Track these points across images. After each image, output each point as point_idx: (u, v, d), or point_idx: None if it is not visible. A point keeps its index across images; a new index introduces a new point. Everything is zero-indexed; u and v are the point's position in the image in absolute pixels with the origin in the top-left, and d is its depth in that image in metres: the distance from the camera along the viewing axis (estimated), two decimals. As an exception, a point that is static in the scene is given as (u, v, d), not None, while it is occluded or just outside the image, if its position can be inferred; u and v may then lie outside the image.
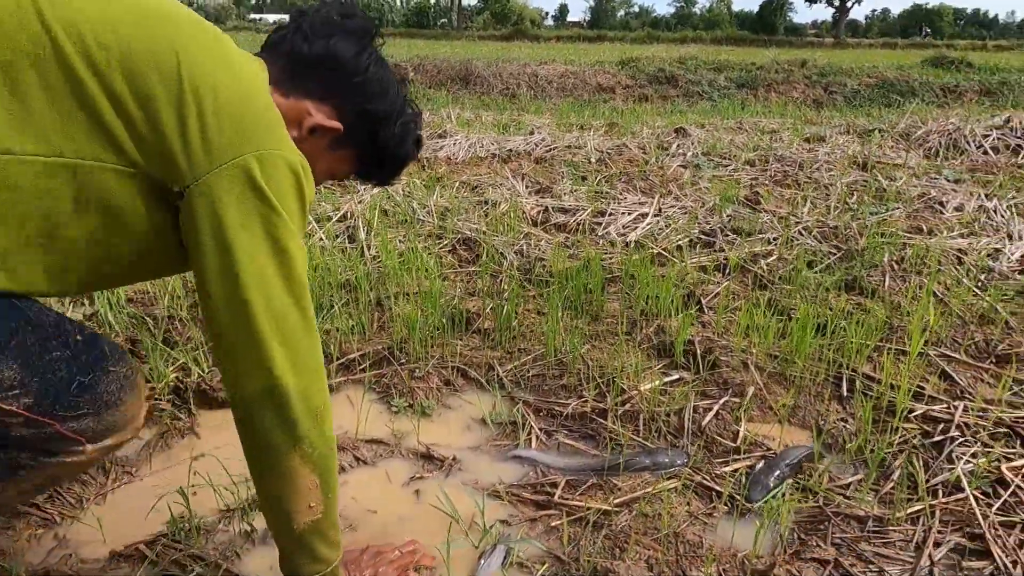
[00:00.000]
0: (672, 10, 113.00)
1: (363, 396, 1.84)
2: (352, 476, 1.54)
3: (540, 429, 1.72)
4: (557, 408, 1.79)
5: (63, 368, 0.88)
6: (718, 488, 1.49)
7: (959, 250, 2.73)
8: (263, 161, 0.88)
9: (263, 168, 0.88)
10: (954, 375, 1.91)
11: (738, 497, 1.46)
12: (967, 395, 1.81)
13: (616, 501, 1.43)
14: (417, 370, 1.93)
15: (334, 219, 3.00)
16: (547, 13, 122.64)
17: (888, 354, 1.97)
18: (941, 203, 3.47)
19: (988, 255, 2.73)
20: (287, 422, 0.93)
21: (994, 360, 2.01)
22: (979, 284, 2.47)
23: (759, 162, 4.37)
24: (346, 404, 1.82)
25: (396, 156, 1.16)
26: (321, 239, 2.81)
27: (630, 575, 1.22)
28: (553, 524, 1.39)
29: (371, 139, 1.11)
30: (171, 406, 1.73)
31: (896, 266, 2.59)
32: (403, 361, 1.98)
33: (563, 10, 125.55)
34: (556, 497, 1.45)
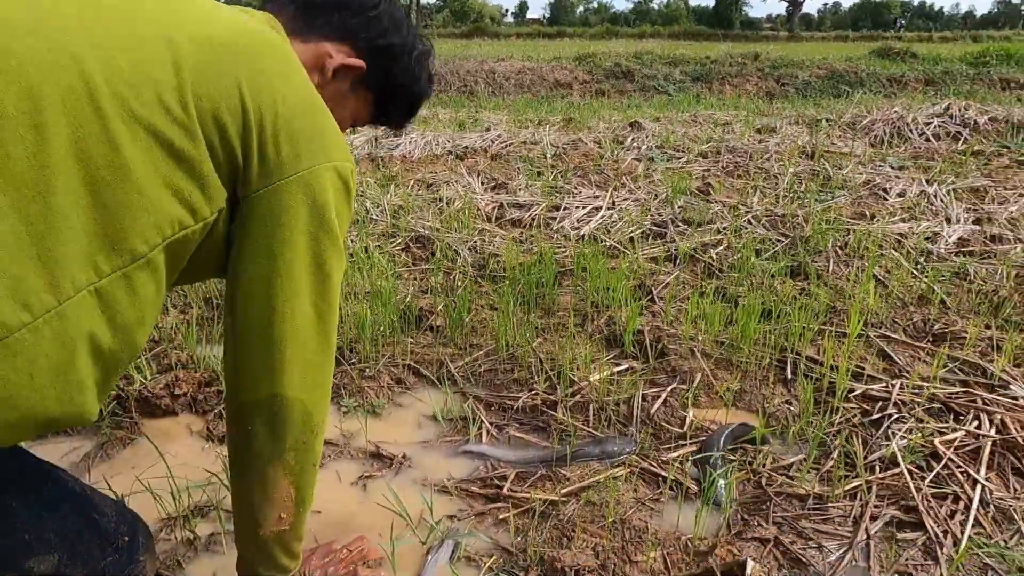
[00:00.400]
0: (631, 6, 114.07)
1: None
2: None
3: (491, 423, 1.73)
4: (508, 402, 1.79)
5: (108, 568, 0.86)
6: (664, 473, 1.51)
7: (900, 234, 2.81)
8: (317, 176, 0.87)
9: (318, 183, 0.87)
10: (893, 355, 1.97)
11: (683, 481, 1.48)
12: (904, 374, 1.86)
13: (564, 491, 1.44)
14: (367, 369, 1.92)
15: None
16: (507, 10, 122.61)
17: (830, 337, 2.02)
18: (885, 190, 3.57)
19: (927, 238, 2.82)
20: (278, 433, 0.92)
21: (931, 339, 2.07)
22: (918, 266, 2.55)
23: (711, 154, 4.44)
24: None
25: (412, 92, 1.12)
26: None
27: (576, 563, 1.23)
28: (502, 517, 1.39)
29: (386, 76, 1.08)
30: (112, 415, 1.69)
31: (840, 251, 2.66)
32: (353, 361, 1.96)
33: (522, 7, 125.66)
34: (505, 490, 1.46)
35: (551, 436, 1.67)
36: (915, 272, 2.49)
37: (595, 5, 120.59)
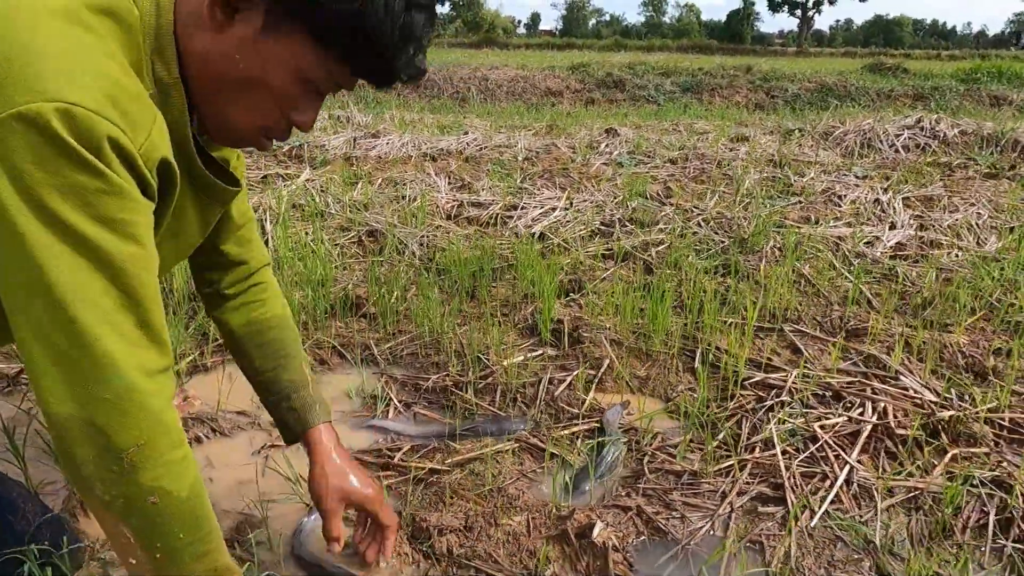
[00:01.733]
0: (643, 19, 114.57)
1: (234, 373, 1.91)
2: (208, 446, 1.61)
3: (400, 401, 1.81)
4: (420, 382, 1.87)
5: None
6: (553, 450, 1.59)
7: (838, 237, 2.88)
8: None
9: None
10: (802, 347, 2.03)
11: (566, 456, 1.56)
12: (807, 364, 1.93)
13: (449, 461, 1.52)
14: (292, 349, 2.00)
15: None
16: (519, 21, 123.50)
17: (738, 329, 2.09)
18: (840, 196, 3.63)
19: (867, 242, 2.88)
20: (68, 459, 0.75)
21: (844, 334, 2.14)
22: (850, 268, 2.61)
23: (680, 160, 4.52)
24: (223, 381, 1.88)
25: (375, 28, 0.79)
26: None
27: (442, 523, 1.30)
28: (388, 483, 1.47)
29: (311, 4, 0.78)
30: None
31: (778, 252, 2.73)
32: (282, 342, 2.04)
33: (535, 19, 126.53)
34: (396, 459, 1.54)
35: (455, 415, 1.75)
36: (846, 273, 2.56)
37: (607, 18, 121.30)
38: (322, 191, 3.52)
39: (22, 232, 0.67)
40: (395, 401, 1.80)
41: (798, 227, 3.03)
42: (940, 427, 1.63)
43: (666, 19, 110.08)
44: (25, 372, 0.75)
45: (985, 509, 1.39)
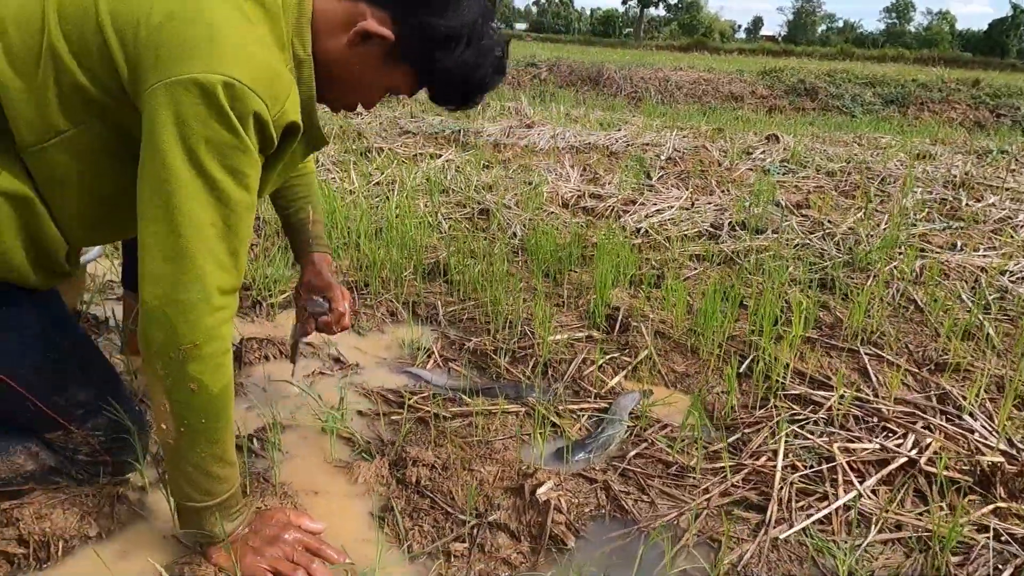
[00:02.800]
0: (882, 26, 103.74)
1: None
2: (270, 364, 1.89)
3: (441, 356, 1.96)
4: (466, 343, 2.01)
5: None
6: (556, 420, 1.65)
7: (980, 268, 2.53)
8: (174, 87, 0.89)
9: (174, 93, 0.89)
10: (871, 372, 1.87)
11: (564, 428, 1.61)
12: (863, 388, 1.78)
13: (453, 410, 1.65)
14: (369, 299, 2.25)
15: (374, 180, 3.42)
16: (740, 25, 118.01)
17: (800, 341, 1.96)
18: (1017, 228, 3.16)
19: (1018, 277, 2.50)
20: (145, 336, 0.96)
21: (932, 367, 1.92)
22: (979, 300, 2.30)
23: (839, 173, 4.18)
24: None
25: (463, 81, 1.11)
26: (357, 195, 3.22)
27: (420, 457, 1.44)
28: (394, 419, 1.63)
29: (428, 57, 1.07)
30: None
31: (895, 273, 2.48)
32: (364, 294, 2.30)
33: (757, 23, 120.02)
34: (412, 401, 1.70)
35: (485, 375, 1.87)
36: (970, 304, 2.26)
37: (839, 24, 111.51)
38: (457, 171, 3.79)
39: (171, 164, 0.91)
40: (437, 355, 1.96)
41: (937, 252, 2.70)
42: (996, 478, 1.44)
43: (911, 27, 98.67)
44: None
45: (1000, 567, 1.22)
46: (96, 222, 1.13)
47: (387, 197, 3.29)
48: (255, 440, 1.52)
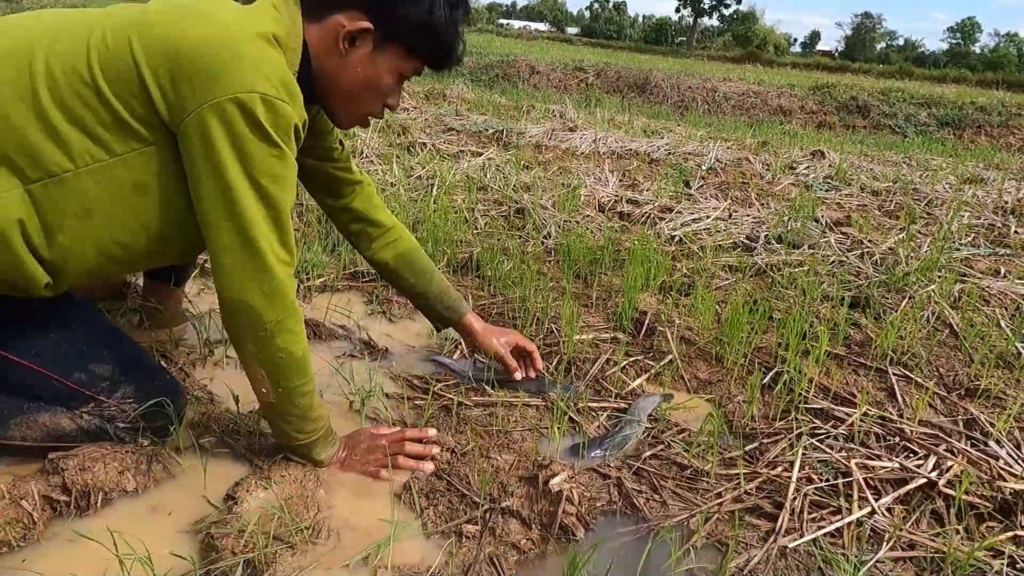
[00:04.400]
0: (945, 46, 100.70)
1: (353, 298, 2.26)
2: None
3: (469, 348, 2.01)
4: (492, 336, 2.05)
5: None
6: (575, 417, 1.68)
7: (1022, 296, 2.47)
8: (213, 109, 1.03)
9: (213, 115, 1.04)
10: (899, 392, 1.85)
11: (582, 424, 1.64)
12: (888, 408, 1.76)
13: (476, 399, 1.69)
14: (402, 288, 2.30)
15: (415, 175, 3.49)
16: (795, 39, 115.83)
17: (827, 356, 1.95)
18: (1067, 257, 3.06)
19: (1062, 308, 2.43)
20: (233, 328, 1.17)
21: (962, 392, 1.89)
22: (1023, 331, 2.25)
23: (884, 192, 4.11)
24: (340, 301, 2.24)
25: (428, 24, 1.20)
26: (398, 187, 3.30)
27: (440, 442, 1.48)
28: (419, 403, 1.68)
29: (399, 19, 1.18)
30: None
31: (931, 296, 2.44)
32: (398, 281, 2.36)
33: (814, 37, 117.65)
34: (436, 388, 1.75)
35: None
36: (1009, 332, 2.21)
37: (900, 42, 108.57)
38: (497, 170, 3.84)
39: (230, 176, 1.07)
40: (463, 346, 2.00)
41: (979, 277, 2.65)
42: (1018, 506, 1.42)
43: (976, 48, 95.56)
44: (211, 270, 1.17)
45: (1012, 593, 1.21)
46: (111, 254, 1.19)
47: (427, 191, 3.35)
48: (322, 393, 1.58)
